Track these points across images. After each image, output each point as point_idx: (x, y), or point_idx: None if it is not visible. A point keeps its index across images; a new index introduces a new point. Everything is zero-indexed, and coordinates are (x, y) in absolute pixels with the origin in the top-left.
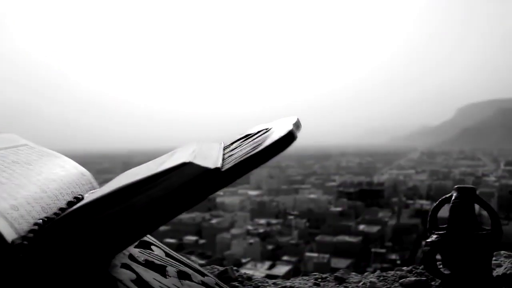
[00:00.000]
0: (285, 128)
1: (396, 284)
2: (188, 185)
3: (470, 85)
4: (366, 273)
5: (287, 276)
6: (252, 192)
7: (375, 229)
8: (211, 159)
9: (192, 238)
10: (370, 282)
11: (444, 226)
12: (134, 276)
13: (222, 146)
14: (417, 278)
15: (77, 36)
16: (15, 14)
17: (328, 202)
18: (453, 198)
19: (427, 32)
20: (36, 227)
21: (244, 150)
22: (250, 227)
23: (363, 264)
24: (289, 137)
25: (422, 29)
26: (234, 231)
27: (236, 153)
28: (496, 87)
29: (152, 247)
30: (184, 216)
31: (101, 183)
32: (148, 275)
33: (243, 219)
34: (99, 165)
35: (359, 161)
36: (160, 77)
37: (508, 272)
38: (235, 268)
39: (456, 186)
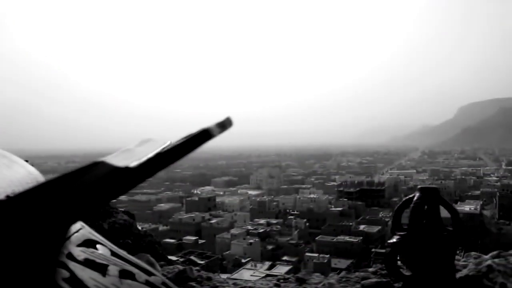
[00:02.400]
0: (201, 128)
1: (358, 286)
2: (98, 182)
3: (471, 84)
4: (330, 274)
5: None
6: (252, 192)
7: (375, 229)
8: (134, 157)
9: (192, 238)
10: (329, 283)
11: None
12: (67, 274)
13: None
14: (378, 280)
15: (77, 36)
16: (15, 14)
17: (328, 202)
18: (415, 198)
19: (427, 32)
20: None
21: (165, 150)
22: (250, 227)
23: (363, 265)
24: (202, 136)
25: (422, 29)
26: (234, 231)
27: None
28: (497, 87)
29: (98, 245)
30: (184, 216)
31: None
32: (85, 273)
33: (243, 219)
34: None
35: (359, 160)
36: (160, 77)
37: (471, 273)
38: (195, 268)
39: (419, 187)
